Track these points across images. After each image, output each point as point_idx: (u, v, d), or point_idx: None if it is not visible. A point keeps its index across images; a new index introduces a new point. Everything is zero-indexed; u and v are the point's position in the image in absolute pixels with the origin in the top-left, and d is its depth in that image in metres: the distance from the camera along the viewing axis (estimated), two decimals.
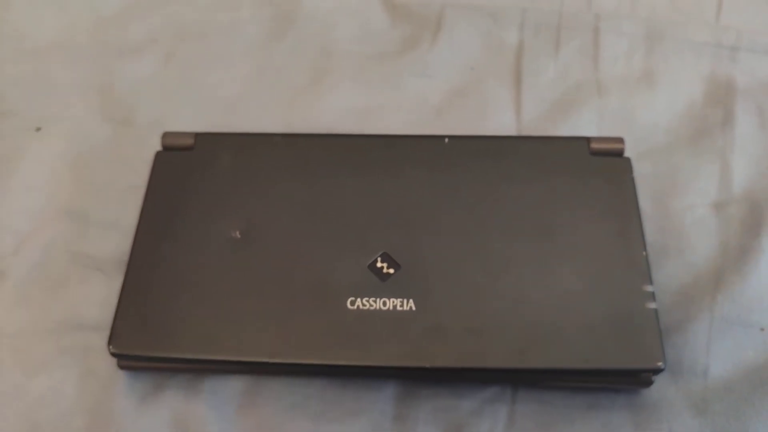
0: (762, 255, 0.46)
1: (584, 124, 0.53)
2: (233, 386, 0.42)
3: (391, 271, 0.42)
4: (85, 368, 0.43)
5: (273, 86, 0.57)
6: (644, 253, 0.42)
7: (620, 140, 0.46)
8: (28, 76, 0.58)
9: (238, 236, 0.43)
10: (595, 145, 0.46)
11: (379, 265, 0.42)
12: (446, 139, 0.47)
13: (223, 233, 0.43)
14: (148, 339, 0.40)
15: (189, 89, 0.56)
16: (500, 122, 0.54)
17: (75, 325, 0.45)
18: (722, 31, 0.57)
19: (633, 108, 0.54)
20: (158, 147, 0.47)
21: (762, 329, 0.44)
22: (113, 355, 0.40)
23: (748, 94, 0.54)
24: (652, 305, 0.40)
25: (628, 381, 0.41)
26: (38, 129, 0.54)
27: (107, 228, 0.48)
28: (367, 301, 0.40)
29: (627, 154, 0.46)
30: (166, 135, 0.47)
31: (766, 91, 0.54)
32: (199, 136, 0.47)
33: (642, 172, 0.48)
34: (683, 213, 0.48)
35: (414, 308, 0.40)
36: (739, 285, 0.45)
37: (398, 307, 0.40)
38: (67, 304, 0.46)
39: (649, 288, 0.41)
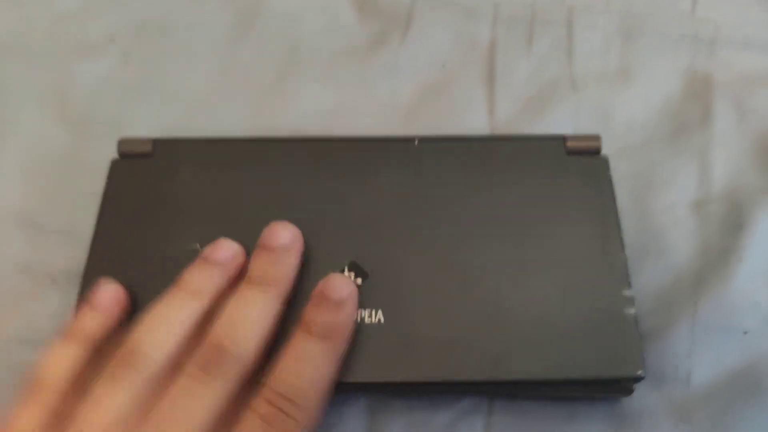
0: (743, 255, 0.45)
1: (560, 122, 0.51)
2: None
3: (359, 280, 0.40)
4: None
5: (238, 85, 0.54)
6: (623, 255, 0.41)
7: (597, 138, 0.45)
8: None
9: (199, 248, 0.41)
10: (571, 144, 0.45)
11: (346, 274, 0.40)
12: (416, 141, 0.45)
13: (184, 245, 0.41)
14: None
15: (149, 90, 0.54)
16: (473, 121, 0.52)
17: (26, 340, 0.43)
18: (699, 24, 0.56)
19: (610, 104, 0.52)
20: (116, 151, 0.45)
21: (745, 332, 0.42)
22: None
23: (726, 88, 0.52)
24: (631, 311, 0.39)
25: (608, 390, 0.40)
26: None
27: (62, 238, 0.46)
28: None
29: (604, 151, 0.45)
30: (122, 141, 0.45)
31: (744, 85, 0.53)
32: (157, 142, 0.45)
33: (619, 170, 0.46)
34: (662, 212, 0.47)
35: (383, 320, 0.38)
36: (720, 287, 0.44)
37: (366, 320, 0.38)
38: (17, 318, 0.44)
39: (628, 293, 0.39)
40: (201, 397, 0.33)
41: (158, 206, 0.43)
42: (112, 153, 0.45)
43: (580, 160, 0.44)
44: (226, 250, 0.39)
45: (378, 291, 0.39)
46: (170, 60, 0.56)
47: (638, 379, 0.38)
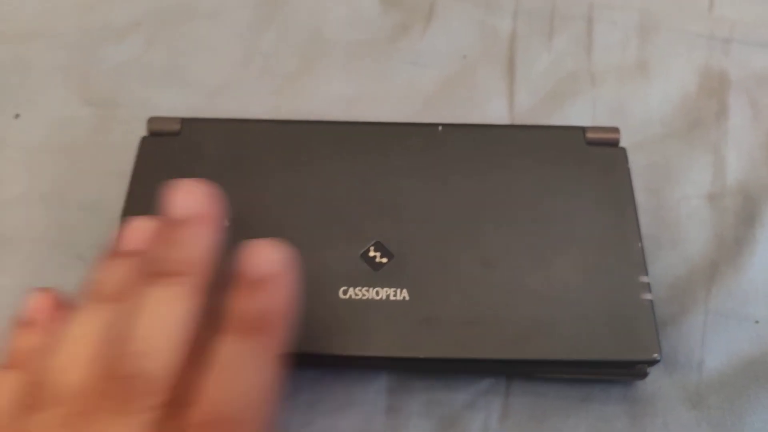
0: (756, 246, 0.46)
1: (578, 115, 0.52)
2: None
3: (384, 260, 0.41)
4: None
5: (260, 72, 0.55)
6: (640, 244, 0.42)
7: (616, 130, 0.46)
8: (6, 62, 0.56)
9: (227, 224, 0.42)
10: (590, 135, 0.46)
11: (372, 254, 0.41)
12: (440, 127, 0.46)
13: None
14: None
15: (173, 74, 0.55)
16: (493, 111, 0.53)
17: None
18: (715, 22, 0.57)
19: (627, 99, 0.53)
20: (141, 133, 0.46)
21: (757, 322, 0.43)
22: None
23: (741, 86, 0.53)
24: (647, 296, 0.40)
25: (623, 373, 0.40)
26: (17, 116, 0.52)
27: (89, 215, 0.47)
28: (360, 290, 0.39)
29: (621, 144, 0.46)
30: (151, 120, 0.46)
31: (759, 83, 0.54)
32: (185, 121, 0.46)
33: (636, 163, 0.47)
34: (677, 205, 0.48)
35: (407, 298, 0.39)
36: (733, 277, 0.45)
37: (391, 297, 0.39)
38: None
39: (644, 279, 0.40)
40: None
41: None
42: (136, 134, 0.46)
43: (599, 151, 0.45)
44: (134, 233, 0.31)
45: (403, 270, 0.40)
46: (194, 46, 0.57)
47: (653, 363, 0.39)
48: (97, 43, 0.57)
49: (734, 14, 0.57)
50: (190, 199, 0.30)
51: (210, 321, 0.28)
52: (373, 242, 0.41)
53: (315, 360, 0.40)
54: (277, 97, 0.54)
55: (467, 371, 0.42)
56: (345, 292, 0.39)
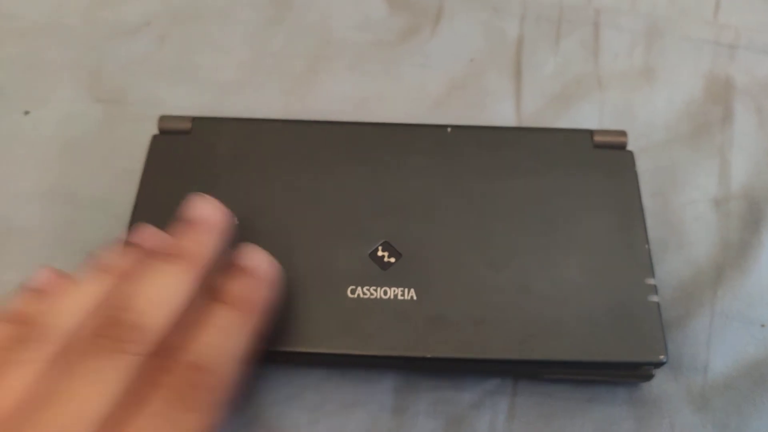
0: (762, 251, 0.46)
1: (584, 118, 0.53)
2: None
3: (393, 260, 0.41)
4: None
5: (269, 72, 0.56)
6: (647, 246, 0.42)
7: (623, 133, 0.46)
8: (17, 58, 0.56)
9: (237, 222, 0.42)
10: (598, 138, 0.46)
11: (380, 253, 0.41)
12: (449, 129, 0.46)
13: None
14: None
15: (183, 73, 0.55)
16: (500, 114, 0.53)
17: None
18: (720, 29, 0.57)
19: (633, 103, 0.54)
20: (150, 130, 0.46)
21: (762, 325, 0.43)
22: None
23: (746, 92, 0.54)
24: (654, 298, 0.40)
25: (629, 374, 0.41)
26: (27, 112, 0.53)
27: (98, 212, 0.47)
28: (368, 289, 0.40)
29: (628, 148, 0.46)
30: (162, 118, 0.46)
31: (764, 89, 0.54)
32: (196, 120, 0.46)
33: (642, 167, 0.47)
34: (683, 208, 0.48)
35: (415, 298, 0.40)
36: (739, 281, 0.45)
37: (399, 297, 0.40)
38: None
39: (651, 281, 0.41)
40: (102, 373, 0.28)
41: (195, 181, 0.44)
42: (145, 132, 0.46)
43: (606, 154, 0.46)
44: (143, 232, 0.36)
45: (410, 270, 0.40)
46: (205, 45, 0.57)
47: (660, 364, 0.39)
48: (107, 41, 0.57)
49: (739, 21, 0.58)
50: (206, 207, 0.36)
51: (208, 297, 0.33)
52: (381, 242, 0.41)
53: (323, 359, 0.40)
54: (287, 97, 0.54)
55: (474, 371, 0.42)
56: (353, 292, 0.40)
